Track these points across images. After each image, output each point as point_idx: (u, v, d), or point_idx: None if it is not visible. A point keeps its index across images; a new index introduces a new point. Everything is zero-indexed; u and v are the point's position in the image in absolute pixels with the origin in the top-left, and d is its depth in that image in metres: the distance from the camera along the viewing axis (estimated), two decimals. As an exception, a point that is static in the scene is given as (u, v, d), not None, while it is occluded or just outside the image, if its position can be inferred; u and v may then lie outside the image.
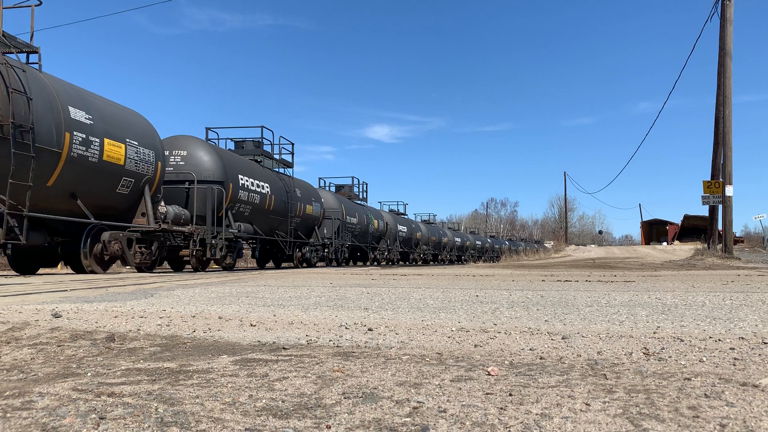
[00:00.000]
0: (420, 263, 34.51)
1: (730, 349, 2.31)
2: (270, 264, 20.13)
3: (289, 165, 19.53)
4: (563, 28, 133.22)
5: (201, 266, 13.72)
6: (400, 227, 31.56)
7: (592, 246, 68.29)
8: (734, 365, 2.00)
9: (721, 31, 20.30)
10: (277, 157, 18.62)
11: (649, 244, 62.94)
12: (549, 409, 1.47)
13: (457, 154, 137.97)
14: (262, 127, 17.44)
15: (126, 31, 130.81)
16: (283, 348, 2.43)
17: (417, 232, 34.40)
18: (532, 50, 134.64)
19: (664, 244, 60.14)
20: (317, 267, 19.23)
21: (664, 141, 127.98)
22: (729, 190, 19.75)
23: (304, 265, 19.10)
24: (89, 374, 1.93)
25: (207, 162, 13.77)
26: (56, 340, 2.64)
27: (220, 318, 3.43)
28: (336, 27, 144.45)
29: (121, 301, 4.35)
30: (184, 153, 13.88)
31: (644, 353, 2.24)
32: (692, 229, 58.76)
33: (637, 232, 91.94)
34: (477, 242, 49.39)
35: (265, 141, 17.68)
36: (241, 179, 14.81)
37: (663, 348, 2.35)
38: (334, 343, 2.55)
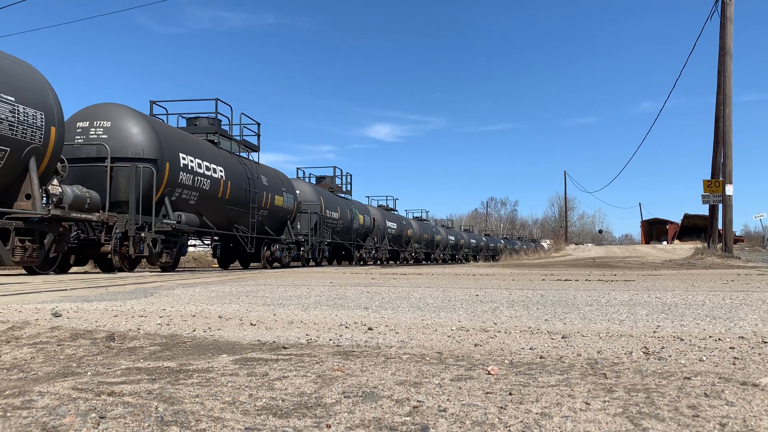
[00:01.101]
0: (411, 262, 32.54)
1: (730, 348, 2.31)
2: (236, 264, 17.90)
3: (254, 148, 16.59)
4: (565, 28, 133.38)
5: (128, 265, 11.17)
6: (389, 224, 29.42)
7: (589, 245, 68.26)
8: (734, 364, 2.00)
9: (722, 30, 20.28)
10: (238, 137, 15.84)
11: (649, 244, 62.93)
12: (549, 408, 1.47)
13: (458, 153, 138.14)
14: (217, 100, 14.38)
15: (127, 30, 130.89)
16: (283, 347, 2.43)
17: (408, 229, 32.43)
18: (534, 50, 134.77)
19: (664, 243, 60.14)
20: (291, 267, 17.04)
21: (665, 140, 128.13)
22: (729, 190, 19.75)
23: (276, 265, 16.97)
24: (89, 373, 1.93)
25: (136, 135, 11.06)
26: (56, 339, 2.64)
27: (220, 317, 3.43)
28: (338, 26, 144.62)
29: (120, 301, 4.35)
30: (108, 124, 11.14)
31: (644, 352, 2.24)
32: (692, 229, 58.75)
33: (637, 232, 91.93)
34: (472, 241, 47.88)
35: (222, 118, 14.95)
36: (184, 159, 12.19)
37: (663, 347, 2.35)
38: (334, 343, 2.55)
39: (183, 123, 14.78)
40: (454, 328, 2.96)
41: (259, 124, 16.91)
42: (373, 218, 27.18)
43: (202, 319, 3.34)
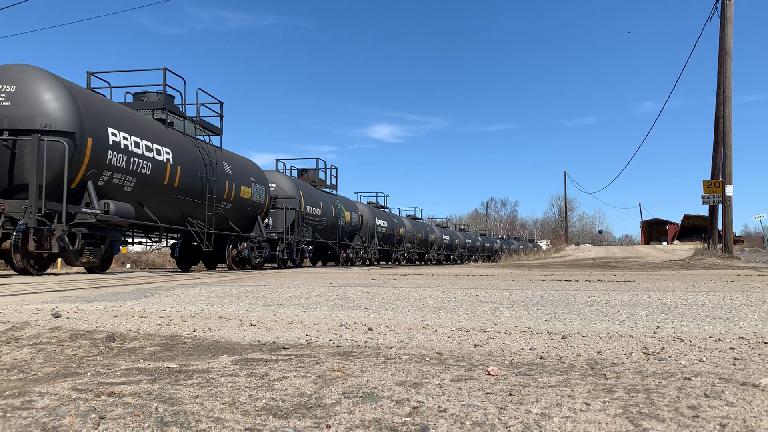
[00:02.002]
0: (404, 263, 30.48)
1: (730, 348, 2.31)
2: (200, 266, 16.13)
3: (215, 131, 14.11)
4: (567, 28, 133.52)
5: (35, 266, 9.03)
6: (379, 221, 27.13)
7: (587, 245, 68.23)
8: (734, 365, 2.00)
9: (721, 31, 20.29)
10: (194, 117, 13.22)
11: (649, 244, 62.98)
12: (549, 409, 1.47)
13: (458, 153, 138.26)
14: (165, 70, 11.98)
15: (129, 30, 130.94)
16: (283, 348, 2.43)
17: (400, 228, 30.17)
18: (536, 50, 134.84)
19: (664, 243, 60.18)
20: (267, 269, 14.87)
21: (665, 141, 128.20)
22: (729, 190, 19.75)
23: (248, 267, 15.05)
24: (89, 374, 1.93)
25: (48, 103, 8.96)
26: (56, 339, 2.64)
27: (220, 318, 3.43)
28: (339, 26, 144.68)
29: (121, 301, 4.35)
30: (11, 89, 8.99)
31: (644, 353, 2.24)
32: (692, 229, 58.79)
33: (637, 232, 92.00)
34: (467, 240, 46.01)
35: (177, 95, 12.61)
36: (116, 136, 9.94)
37: (663, 348, 2.35)
38: (334, 343, 2.55)
39: (131, 100, 12.45)
40: (454, 328, 2.96)
41: (221, 104, 14.33)
42: (362, 215, 25.06)
43: (202, 320, 3.34)
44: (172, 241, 14.96)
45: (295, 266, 18.14)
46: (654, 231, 71.90)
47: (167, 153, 11.55)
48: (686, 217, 61.58)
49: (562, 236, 70.64)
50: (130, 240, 13.07)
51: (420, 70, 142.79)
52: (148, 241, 13.95)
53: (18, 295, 4.76)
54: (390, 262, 29.11)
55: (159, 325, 3.13)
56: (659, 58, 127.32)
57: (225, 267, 14.84)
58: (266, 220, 16.62)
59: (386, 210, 30.86)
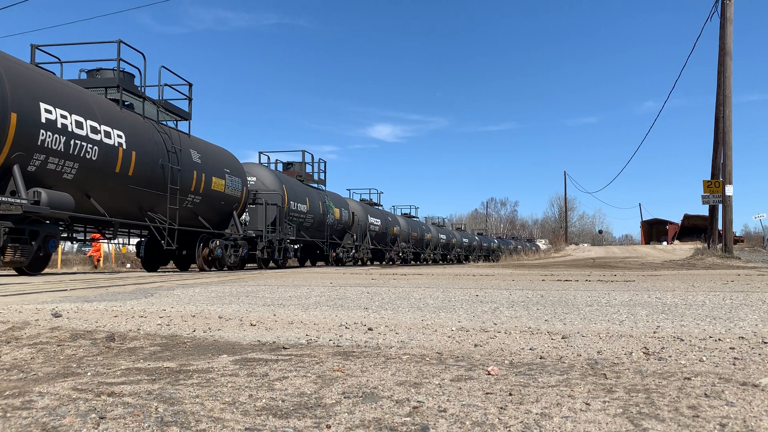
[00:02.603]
0: (398, 263, 28.96)
1: (730, 348, 2.31)
2: (171, 266, 15.01)
3: (182, 115, 12.56)
4: (569, 28, 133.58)
5: None
6: (372, 219, 25.69)
7: (585, 245, 68.17)
8: (734, 365, 2.00)
9: (721, 31, 20.29)
10: (158, 99, 11.64)
11: (649, 244, 63.00)
12: (549, 409, 1.47)
13: (459, 153, 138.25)
14: (120, 43, 10.55)
15: (130, 30, 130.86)
16: (283, 347, 2.43)
17: (394, 227, 28.70)
18: (538, 50, 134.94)
19: (664, 243, 60.20)
20: (247, 270, 13.91)
21: (665, 141, 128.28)
22: (729, 190, 19.75)
23: (226, 268, 13.70)
24: (89, 374, 1.93)
25: None
26: (56, 339, 2.64)
27: (220, 317, 3.43)
28: (340, 26, 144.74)
29: (121, 301, 4.35)
30: None
31: (644, 353, 2.24)
32: (692, 229, 58.80)
33: (637, 232, 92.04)
34: (464, 240, 44.63)
35: (134, 71, 11.23)
36: (51, 113, 8.56)
37: (663, 347, 2.35)
38: (334, 343, 2.55)
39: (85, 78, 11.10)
40: (454, 328, 2.96)
41: (190, 85, 12.66)
42: (353, 213, 23.63)
43: (202, 320, 3.34)
44: (137, 239, 13.48)
45: (278, 267, 16.50)
46: (654, 231, 71.93)
47: (119, 137, 10.03)
48: (686, 217, 61.60)
49: (562, 236, 70.65)
50: (80, 237, 11.47)
51: (421, 70, 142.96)
52: (102, 238, 12.09)
53: (18, 295, 4.76)
54: (384, 262, 27.60)
55: (159, 324, 3.13)
56: (661, 58, 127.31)
57: (197, 268, 13.29)
58: (244, 216, 15.43)
59: (380, 208, 29.25)
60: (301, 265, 21.84)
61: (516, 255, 45.89)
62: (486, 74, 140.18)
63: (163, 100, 11.84)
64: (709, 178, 22.12)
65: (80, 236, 11.46)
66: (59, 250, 19.30)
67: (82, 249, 26.95)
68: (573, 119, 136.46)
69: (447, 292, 5.41)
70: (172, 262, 14.44)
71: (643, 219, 78.24)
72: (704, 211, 26.92)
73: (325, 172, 22.02)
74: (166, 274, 11.01)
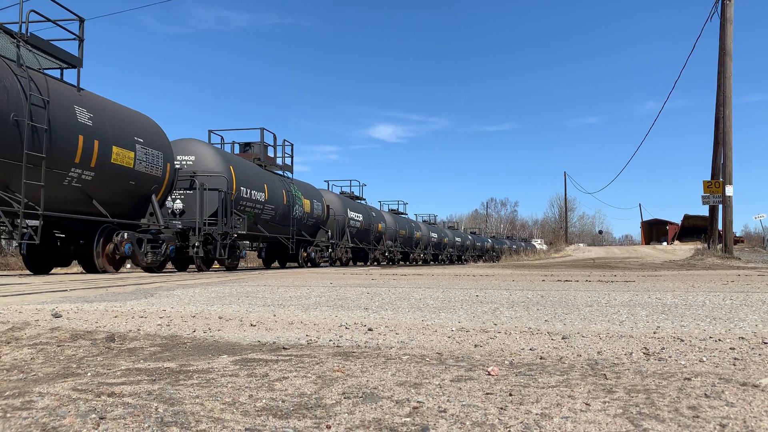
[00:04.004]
0: (384, 263, 26.65)
1: (730, 349, 2.31)
2: (76, 267, 12.34)
3: (67, 60, 9.47)
4: (571, 28, 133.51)
5: None
6: (352, 214, 22.81)
7: (581, 244, 68.11)
8: (734, 365, 2.00)
9: (721, 31, 20.29)
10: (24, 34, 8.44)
11: (649, 244, 63.02)
12: (549, 409, 1.47)
13: (459, 154, 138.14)
14: None
15: (132, 30, 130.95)
16: (283, 348, 2.43)
17: (378, 223, 25.99)
18: (540, 50, 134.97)
19: (664, 244, 60.21)
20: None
21: (665, 141, 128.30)
22: (729, 190, 19.76)
23: (141, 268, 11.24)
24: (89, 374, 1.93)
25: None
26: (56, 340, 2.64)
27: (220, 318, 3.43)
28: (341, 26, 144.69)
29: (121, 301, 4.35)
30: None
31: (644, 353, 2.24)
32: (692, 229, 58.83)
33: (637, 232, 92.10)
34: (457, 239, 42.30)
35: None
36: None
37: (663, 348, 2.35)
38: (334, 343, 2.55)
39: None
40: (454, 328, 2.96)
41: (81, 21, 9.62)
42: (328, 206, 20.56)
43: (202, 320, 3.34)
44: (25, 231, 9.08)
45: (227, 268, 13.72)
46: (654, 231, 71.96)
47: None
48: (686, 218, 61.63)
49: (562, 236, 70.65)
50: None
51: (423, 70, 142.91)
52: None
53: (18, 296, 4.76)
54: (368, 263, 24.93)
55: (159, 325, 3.13)
56: (663, 58, 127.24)
57: (106, 267, 10.23)
58: (176, 204, 12.84)
59: (362, 202, 26.13)
60: (267, 266, 18.88)
61: (516, 255, 45.73)
62: (488, 74, 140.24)
63: (30, 34, 8.64)
64: (709, 179, 22.12)
65: None
66: None
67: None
68: (574, 119, 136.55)
69: (447, 292, 5.41)
70: (77, 261, 11.34)
71: (643, 219, 78.31)
72: (704, 211, 26.95)
73: (292, 157, 18.43)
74: (166, 274, 11.01)
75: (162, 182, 11.41)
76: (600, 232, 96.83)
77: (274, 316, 3.53)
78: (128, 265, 20.20)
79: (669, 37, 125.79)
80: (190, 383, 1.78)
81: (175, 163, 12.51)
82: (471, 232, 53.41)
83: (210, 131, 16.06)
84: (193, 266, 13.27)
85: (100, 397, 1.62)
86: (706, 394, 1.60)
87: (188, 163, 13.21)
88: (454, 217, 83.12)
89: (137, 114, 11.20)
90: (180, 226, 12.25)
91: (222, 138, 16.33)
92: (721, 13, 20.37)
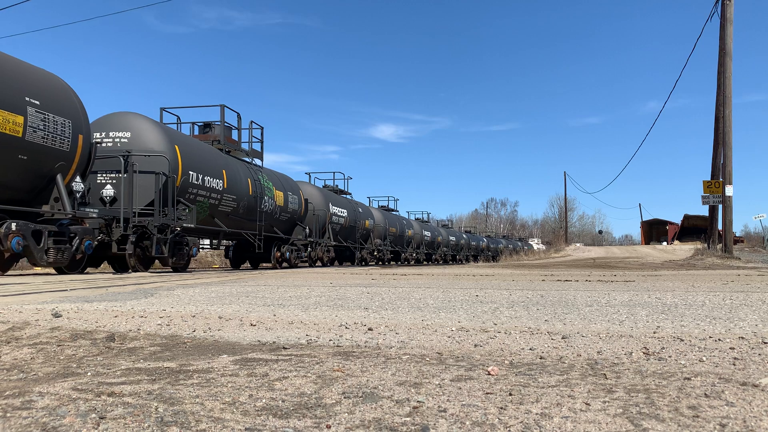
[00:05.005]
0: (373, 263, 25.01)
1: (730, 348, 2.31)
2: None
3: None
4: (574, 28, 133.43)
5: None
6: (335, 209, 20.85)
7: (578, 244, 68.05)
8: (734, 365, 2.00)
9: (721, 31, 20.29)
10: None
11: (649, 244, 63.00)
12: (549, 409, 1.47)
13: (460, 154, 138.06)
14: None
15: (133, 30, 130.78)
16: (283, 348, 2.43)
17: (366, 220, 24.17)
18: (542, 50, 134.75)
19: (664, 243, 60.19)
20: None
21: (665, 141, 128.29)
22: (729, 190, 19.76)
23: (52, 269, 9.60)
24: (89, 374, 1.93)
25: None
26: (56, 339, 2.64)
27: (220, 318, 3.43)
28: (344, 26, 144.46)
29: (121, 301, 4.35)
30: None
31: (644, 353, 2.24)
32: (692, 229, 58.81)
33: (637, 232, 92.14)
34: (451, 238, 41.00)
35: None
36: None
37: (663, 348, 2.35)
38: (334, 343, 2.55)
39: None
40: (454, 328, 2.96)
41: None
42: (306, 200, 18.41)
43: (202, 320, 3.34)
44: None
45: (174, 269, 11.70)
46: (654, 231, 71.94)
47: None
48: (686, 218, 61.61)
49: (562, 236, 70.65)
50: None
51: (425, 70, 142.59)
52: None
53: (18, 295, 4.76)
54: (355, 263, 23.10)
55: (159, 325, 3.13)
56: (666, 58, 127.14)
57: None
58: (106, 191, 10.72)
59: (347, 197, 24.23)
60: (235, 267, 16.74)
61: (516, 255, 45.60)
62: (491, 74, 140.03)
63: None
64: (709, 179, 22.13)
65: None
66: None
67: None
68: (577, 119, 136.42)
69: (447, 292, 5.41)
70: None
71: (643, 219, 78.29)
72: (704, 211, 26.96)
73: (261, 142, 16.25)
74: (166, 274, 11.00)
75: (72, 159, 9.12)
76: (600, 232, 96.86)
77: (274, 315, 3.53)
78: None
79: (671, 37, 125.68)
80: (190, 383, 1.78)
81: (106, 140, 10.80)
82: (466, 231, 52.18)
83: (162, 109, 13.78)
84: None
85: (100, 396, 1.62)
86: (706, 394, 1.60)
87: (122, 140, 11.02)
88: (454, 217, 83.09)
89: (33, 69, 8.80)
90: (95, 215, 9.98)
91: (178, 118, 14.07)
92: (721, 13, 20.37)
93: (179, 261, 11.74)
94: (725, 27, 19.94)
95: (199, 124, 14.40)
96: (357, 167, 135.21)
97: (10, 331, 2.83)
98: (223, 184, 13.10)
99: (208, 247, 15.81)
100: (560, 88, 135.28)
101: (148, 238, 10.86)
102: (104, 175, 10.85)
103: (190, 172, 11.82)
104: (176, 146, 11.43)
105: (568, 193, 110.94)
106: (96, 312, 3.66)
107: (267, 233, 15.44)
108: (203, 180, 12.34)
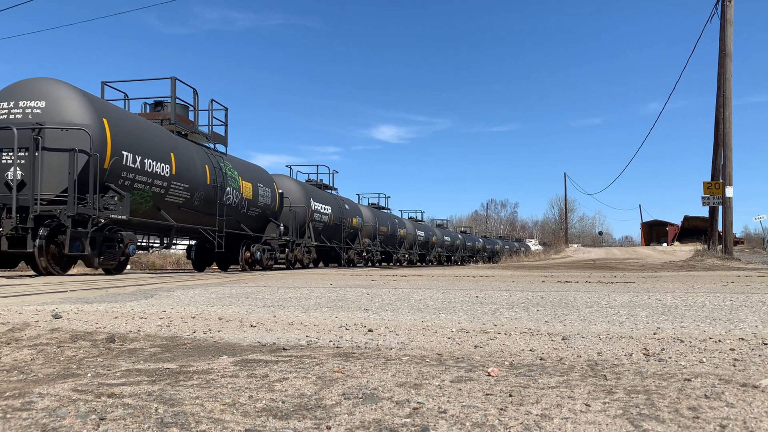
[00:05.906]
0: (361, 265, 23.41)
1: (730, 349, 2.31)
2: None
3: None
4: (575, 29, 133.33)
5: None
6: (317, 206, 18.90)
7: (576, 245, 68.06)
8: (734, 366, 2.00)
9: (721, 32, 20.31)
10: None
11: (649, 245, 63.00)
12: (549, 410, 1.47)
13: (460, 155, 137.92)
14: None
15: (135, 30, 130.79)
16: (284, 349, 2.43)
17: (353, 218, 22.44)
18: (545, 51, 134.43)
19: (664, 245, 60.18)
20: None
21: (666, 142, 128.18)
22: (729, 191, 19.76)
23: None
24: (89, 375, 1.93)
25: None
26: (56, 341, 2.64)
27: (220, 319, 3.43)
28: (345, 27, 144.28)
29: (121, 302, 4.35)
30: None
31: (644, 354, 2.24)
32: (692, 230, 58.80)
33: (637, 233, 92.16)
34: (446, 239, 39.48)
35: None
36: None
37: (663, 349, 2.35)
38: (334, 344, 2.55)
39: None
40: (454, 329, 2.96)
41: None
42: (280, 193, 16.15)
43: (203, 321, 3.34)
44: None
45: (105, 271, 9.86)
46: (654, 232, 71.92)
47: None
48: (686, 219, 61.63)
49: (562, 237, 70.65)
50: None
51: (427, 71, 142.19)
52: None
53: (18, 297, 4.76)
54: (341, 264, 21.44)
55: (159, 326, 3.13)
56: (667, 59, 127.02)
57: None
58: (11, 174, 8.87)
59: (332, 192, 22.08)
60: (198, 268, 14.62)
61: (516, 256, 45.60)
62: (493, 75, 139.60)
63: None
64: (709, 180, 22.14)
65: None
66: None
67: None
68: (578, 120, 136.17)
69: (447, 293, 5.41)
70: None
71: (643, 220, 78.29)
72: (704, 212, 26.96)
73: (226, 125, 13.98)
74: (166, 275, 11.01)
75: None
76: (600, 233, 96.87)
77: (274, 316, 3.53)
78: (128, 266, 20.20)
79: (672, 38, 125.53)
80: (190, 384, 1.78)
81: (15, 111, 9.05)
82: (461, 231, 50.76)
83: (104, 83, 12.00)
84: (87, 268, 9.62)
85: (100, 397, 1.62)
86: (706, 395, 1.60)
87: (35, 111, 9.07)
88: (454, 219, 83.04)
89: None
90: None
91: (126, 95, 12.22)
92: (721, 15, 20.38)
93: (109, 261, 9.56)
94: (725, 28, 19.95)
95: (150, 102, 12.37)
96: (357, 168, 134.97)
97: (10, 332, 2.83)
98: (171, 170, 10.94)
99: (159, 246, 12.79)
100: (561, 89, 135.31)
101: (60, 232, 8.91)
102: (9, 154, 8.93)
103: (124, 153, 9.73)
104: (104, 119, 9.36)
105: (568, 195, 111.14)
106: (96, 313, 3.66)
107: (232, 230, 13.38)
108: (143, 163, 10.17)
